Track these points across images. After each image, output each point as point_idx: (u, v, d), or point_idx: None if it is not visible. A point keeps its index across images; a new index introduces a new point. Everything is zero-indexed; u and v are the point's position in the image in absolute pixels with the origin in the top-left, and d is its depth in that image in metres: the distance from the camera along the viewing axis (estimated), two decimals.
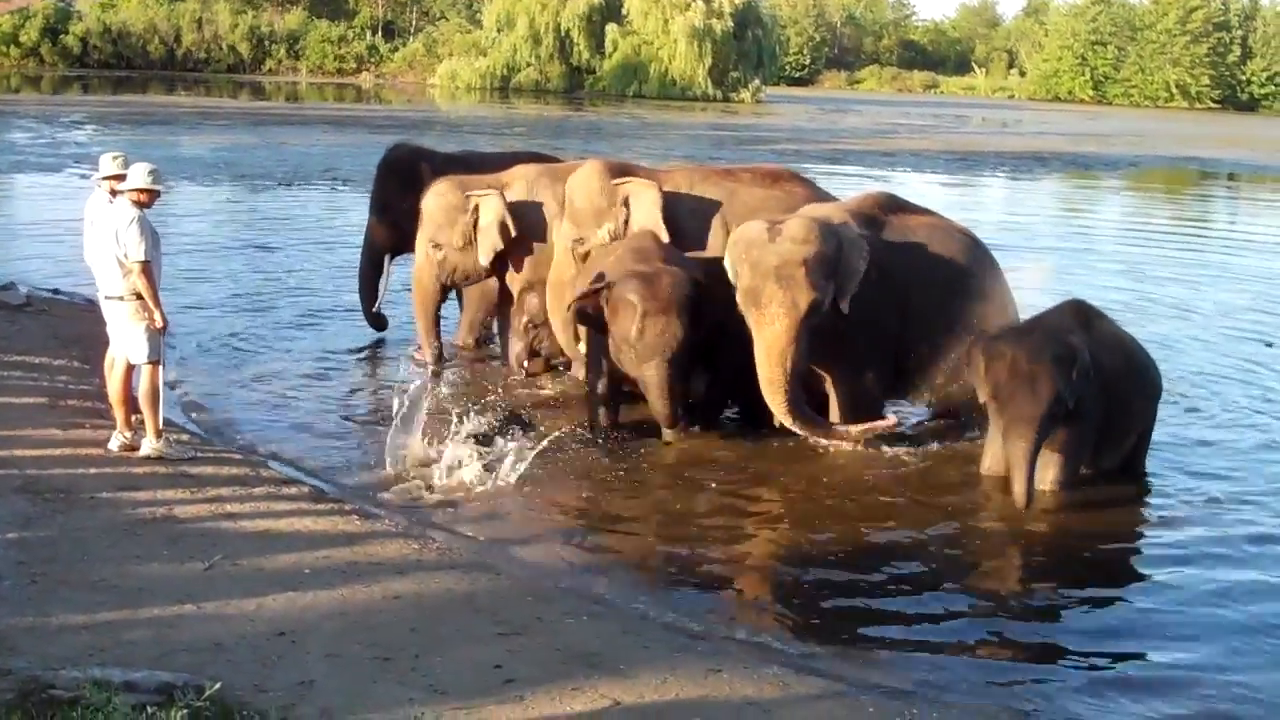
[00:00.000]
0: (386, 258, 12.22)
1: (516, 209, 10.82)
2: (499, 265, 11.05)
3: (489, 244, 10.81)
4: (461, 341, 12.07)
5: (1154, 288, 17.24)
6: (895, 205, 10.05)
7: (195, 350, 11.41)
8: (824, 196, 10.80)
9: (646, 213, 10.11)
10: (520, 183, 11.11)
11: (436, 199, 11.04)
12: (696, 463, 9.18)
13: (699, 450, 9.40)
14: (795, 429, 9.17)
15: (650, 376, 9.11)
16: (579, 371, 10.75)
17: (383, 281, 12.30)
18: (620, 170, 10.57)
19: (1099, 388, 8.45)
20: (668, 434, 9.46)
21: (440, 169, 11.74)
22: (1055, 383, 8.13)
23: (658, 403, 9.20)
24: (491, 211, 10.78)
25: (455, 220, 10.94)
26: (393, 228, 11.93)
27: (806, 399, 9.32)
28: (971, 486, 8.80)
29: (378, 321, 12.29)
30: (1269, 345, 13.90)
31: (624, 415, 9.73)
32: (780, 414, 9.14)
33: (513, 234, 10.75)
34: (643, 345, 9.04)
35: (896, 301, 9.34)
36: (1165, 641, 6.65)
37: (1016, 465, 8.18)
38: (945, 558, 7.77)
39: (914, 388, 9.80)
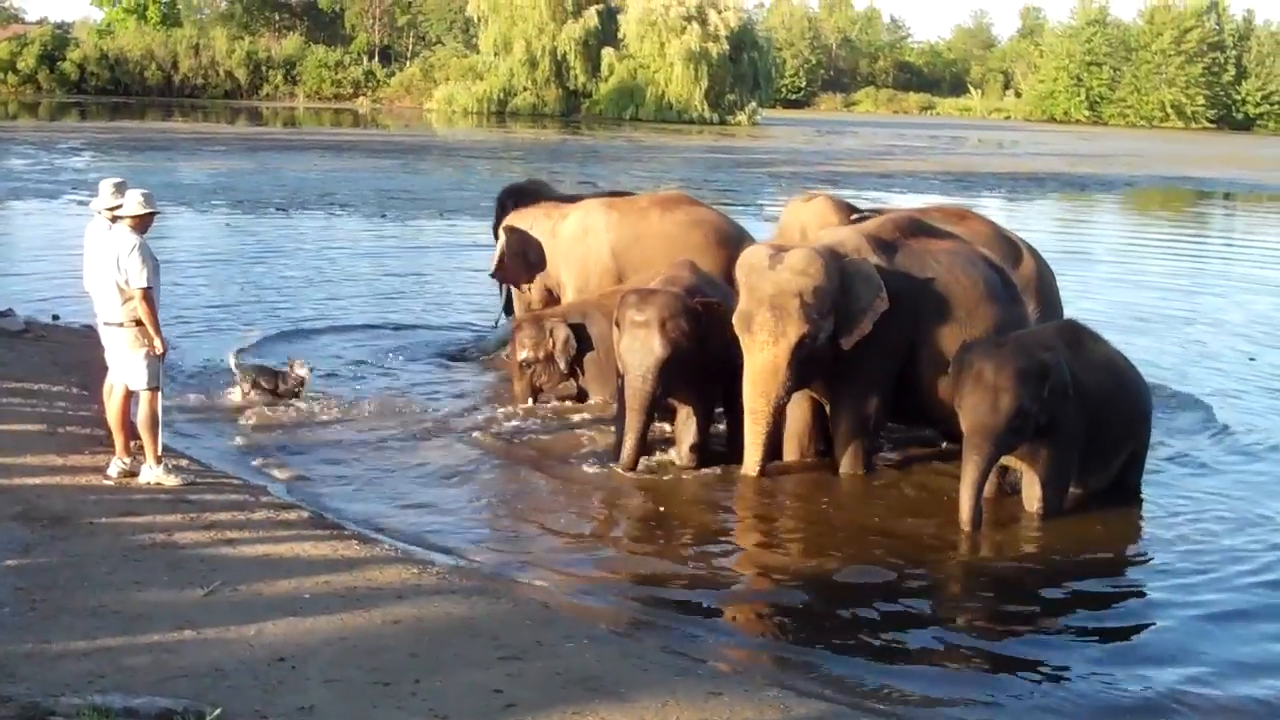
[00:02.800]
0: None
1: (513, 238, 11.66)
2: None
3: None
4: None
5: (1155, 301, 17.47)
6: (917, 228, 9.76)
7: (191, 376, 11.40)
8: (1003, 234, 11.03)
9: None
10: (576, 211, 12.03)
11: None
12: (698, 488, 9.19)
13: (701, 476, 9.39)
14: (749, 464, 9.13)
15: (628, 388, 9.17)
16: (593, 396, 10.87)
17: (499, 302, 13.30)
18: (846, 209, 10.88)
19: (1083, 407, 8.48)
20: (622, 462, 9.27)
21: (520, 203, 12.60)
22: (1017, 396, 8.15)
23: (630, 415, 9.20)
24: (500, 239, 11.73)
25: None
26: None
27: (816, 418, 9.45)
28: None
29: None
30: (1252, 360, 14.07)
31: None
32: (750, 442, 9.09)
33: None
34: (623, 358, 9.16)
35: (905, 329, 9.09)
36: (1165, 659, 6.65)
37: (965, 478, 8.27)
38: (943, 580, 7.80)
39: (923, 415, 9.63)
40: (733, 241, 11.27)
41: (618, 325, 9.31)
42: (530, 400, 10.84)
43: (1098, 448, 8.78)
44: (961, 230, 10.41)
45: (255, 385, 10.46)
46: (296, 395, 10.54)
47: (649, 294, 9.33)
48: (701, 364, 9.25)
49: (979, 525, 8.24)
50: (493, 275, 11.92)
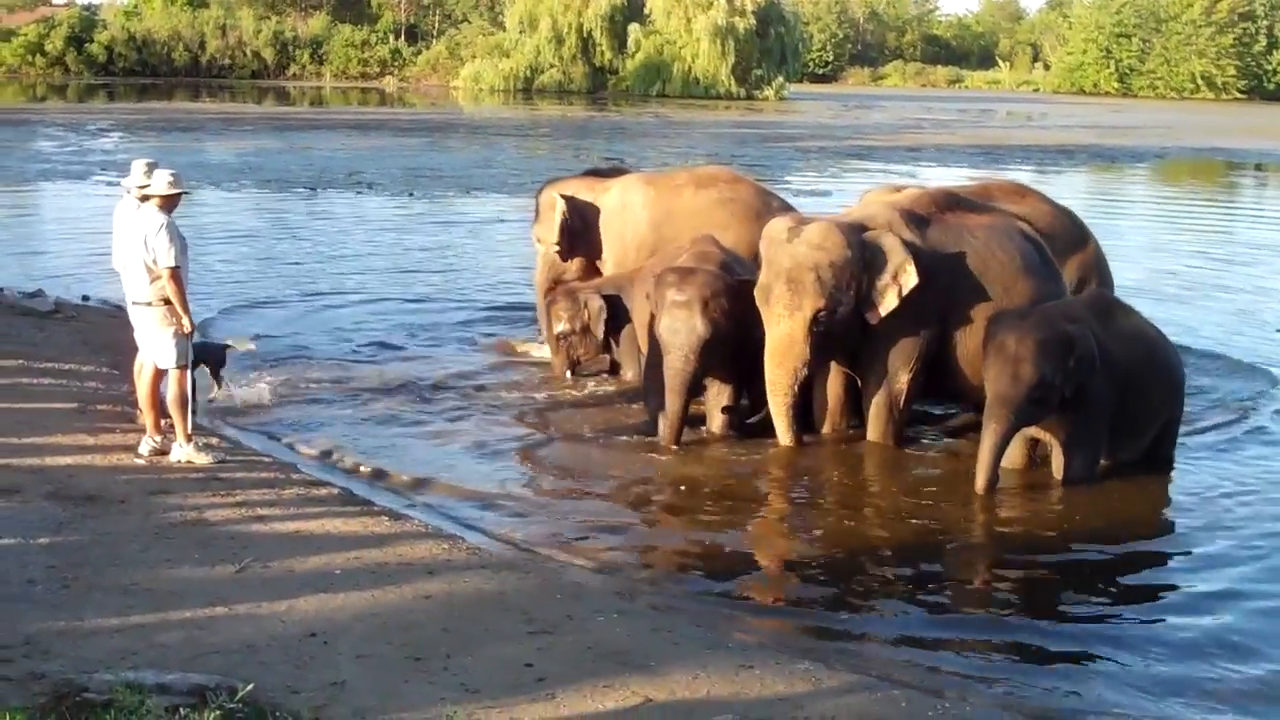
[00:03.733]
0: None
1: (575, 207, 11.53)
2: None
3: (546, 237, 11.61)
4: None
5: (1191, 271, 17.55)
6: (952, 203, 9.65)
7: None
8: (1064, 211, 10.92)
9: None
10: (616, 187, 11.87)
11: (543, 198, 11.83)
12: (728, 462, 9.17)
13: (730, 449, 9.39)
14: (781, 434, 9.14)
15: (668, 369, 9.13)
16: (625, 371, 10.86)
17: None
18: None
19: (1112, 379, 8.45)
20: (664, 437, 9.30)
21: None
22: (1039, 367, 8.16)
23: (669, 397, 9.19)
24: (557, 211, 11.52)
25: (548, 218, 11.67)
26: None
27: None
28: (1001, 484, 8.75)
29: None
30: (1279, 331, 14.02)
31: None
32: (775, 415, 9.10)
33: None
34: (665, 336, 9.09)
35: (939, 305, 9.02)
36: (1189, 637, 6.60)
37: (983, 445, 8.32)
38: (973, 554, 7.79)
39: (958, 390, 9.55)
40: (759, 218, 11.21)
41: (654, 303, 9.28)
42: (569, 373, 10.85)
43: (1128, 420, 8.74)
44: (1021, 207, 10.32)
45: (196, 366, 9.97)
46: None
47: (688, 273, 9.29)
48: (737, 341, 9.22)
49: (991, 489, 8.34)
50: (555, 247, 11.72)
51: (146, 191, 8.17)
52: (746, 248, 10.51)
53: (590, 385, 10.94)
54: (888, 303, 8.88)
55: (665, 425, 9.35)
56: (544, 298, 11.65)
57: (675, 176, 12.08)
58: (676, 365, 9.12)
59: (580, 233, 11.57)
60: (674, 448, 9.23)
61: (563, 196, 11.52)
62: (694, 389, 9.29)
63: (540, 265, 11.86)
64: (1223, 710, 5.86)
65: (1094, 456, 8.66)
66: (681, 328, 9.09)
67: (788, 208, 11.68)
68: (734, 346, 9.25)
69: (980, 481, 8.31)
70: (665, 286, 9.20)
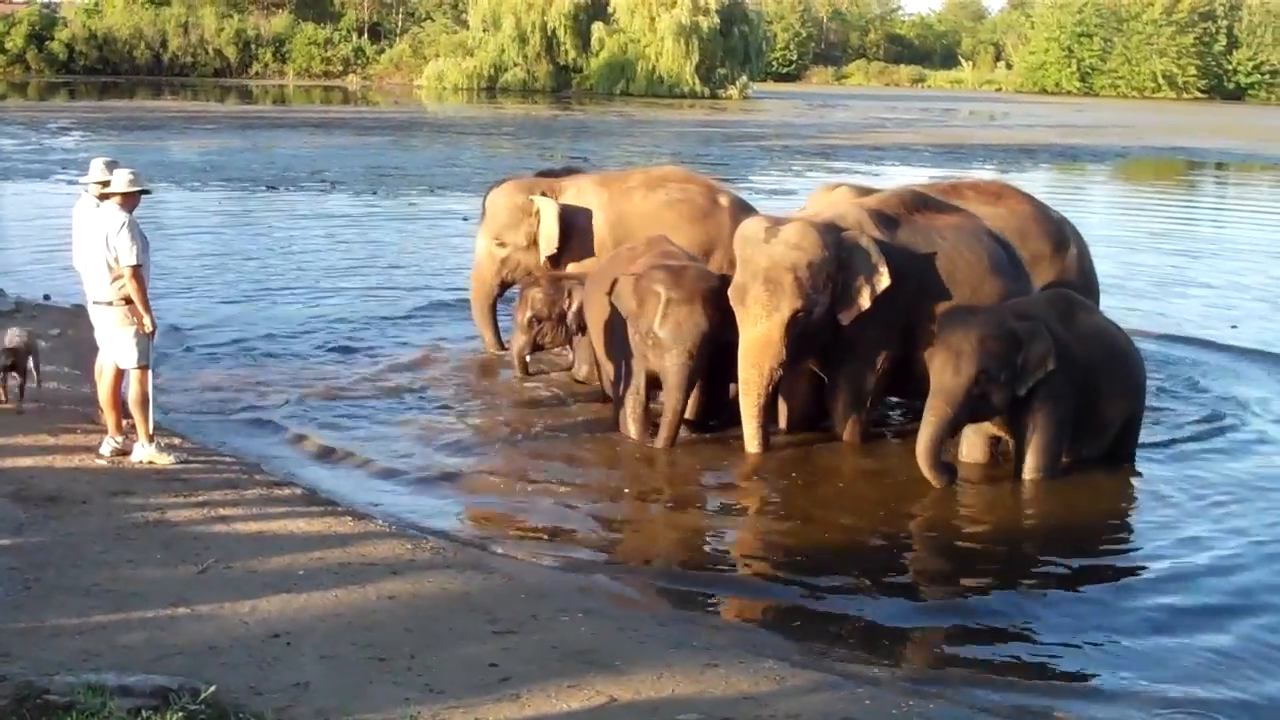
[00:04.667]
0: None
1: (566, 212, 11.44)
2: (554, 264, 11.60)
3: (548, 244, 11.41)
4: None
5: (1145, 267, 17.73)
6: (921, 203, 9.65)
7: (184, 354, 11.39)
8: (1046, 213, 10.85)
9: None
10: (571, 189, 11.76)
11: (516, 200, 11.66)
12: (692, 460, 9.18)
13: (695, 448, 9.39)
14: (749, 438, 9.11)
15: (670, 368, 9.09)
16: (579, 368, 10.84)
17: None
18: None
19: (1072, 377, 8.52)
20: (662, 438, 9.28)
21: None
22: (979, 361, 8.26)
23: (672, 395, 9.15)
24: (550, 214, 11.37)
25: (520, 222, 11.56)
26: None
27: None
28: (963, 480, 8.80)
29: None
30: (1234, 328, 14.12)
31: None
32: (745, 416, 9.07)
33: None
34: (665, 335, 9.04)
35: (906, 305, 9.02)
36: (1157, 633, 6.64)
37: (921, 437, 8.42)
38: (938, 552, 7.83)
39: (923, 391, 9.56)
40: (707, 218, 11.44)
41: (639, 303, 9.20)
42: (527, 356, 10.86)
43: (1090, 418, 8.80)
44: (998, 209, 10.33)
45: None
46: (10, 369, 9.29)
47: (680, 270, 9.27)
48: (719, 339, 9.21)
49: (953, 477, 8.51)
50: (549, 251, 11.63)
51: (107, 190, 8.12)
52: (696, 248, 10.71)
53: (551, 382, 10.97)
54: (861, 303, 8.90)
55: (635, 424, 9.37)
56: (487, 299, 11.75)
57: (628, 178, 12.06)
58: (680, 362, 9.05)
59: (570, 236, 11.52)
60: (666, 447, 9.21)
61: (541, 199, 11.46)
62: (693, 386, 9.26)
63: (488, 265, 11.68)
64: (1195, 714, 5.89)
65: (1056, 454, 8.71)
66: (685, 324, 9.02)
67: (741, 205, 11.75)
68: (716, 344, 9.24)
69: (927, 473, 8.39)
70: (657, 285, 9.11)
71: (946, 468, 8.55)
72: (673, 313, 9.02)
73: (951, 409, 8.38)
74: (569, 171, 12.53)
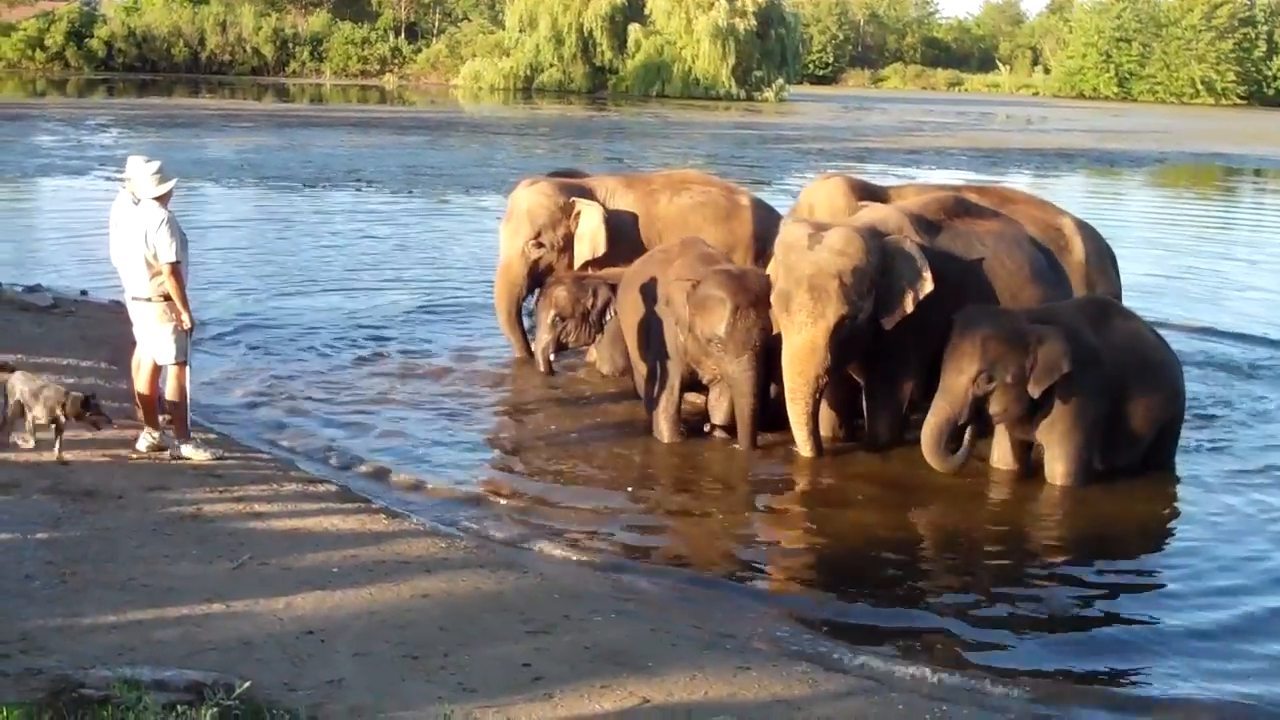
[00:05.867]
0: None
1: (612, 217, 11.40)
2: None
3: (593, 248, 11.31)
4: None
5: (1188, 270, 17.72)
6: (962, 209, 9.62)
7: (220, 351, 11.44)
8: (1049, 222, 10.66)
9: None
10: (601, 191, 11.72)
11: (554, 203, 11.48)
12: (726, 463, 9.18)
13: (729, 450, 9.38)
14: (801, 444, 9.08)
15: (739, 374, 9.06)
16: (602, 365, 10.85)
17: None
18: (865, 190, 10.80)
19: (1104, 383, 8.47)
20: (743, 441, 9.26)
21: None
22: (982, 361, 8.32)
23: (744, 400, 9.13)
24: (595, 218, 11.30)
25: (559, 223, 11.43)
26: None
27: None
28: (998, 488, 8.78)
29: None
30: None
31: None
32: (795, 423, 9.04)
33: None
34: (733, 341, 9.01)
35: (947, 310, 8.86)
36: (1187, 644, 6.60)
37: (924, 433, 8.54)
38: (971, 558, 7.78)
39: None
40: (729, 219, 11.55)
41: (696, 307, 9.11)
42: (552, 355, 10.85)
43: (1122, 424, 8.74)
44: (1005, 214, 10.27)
45: None
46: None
47: (740, 275, 9.28)
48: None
49: (957, 468, 8.64)
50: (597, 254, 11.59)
51: (139, 194, 8.11)
52: (720, 248, 10.68)
53: (580, 381, 11.03)
54: (905, 307, 8.86)
55: (668, 425, 9.42)
56: (515, 301, 11.66)
57: (650, 180, 12.07)
58: (749, 366, 9.03)
59: (617, 240, 11.47)
60: (749, 448, 9.23)
61: (584, 201, 11.41)
62: (762, 389, 9.24)
63: (519, 265, 11.53)
64: None
65: (1084, 460, 8.65)
66: (753, 330, 9.00)
67: (761, 205, 11.78)
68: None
69: (932, 461, 8.59)
70: (721, 290, 9.05)
71: (953, 456, 8.58)
72: (740, 318, 8.98)
73: (952, 407, 8.46)
74: (574, 174, 12.49)
